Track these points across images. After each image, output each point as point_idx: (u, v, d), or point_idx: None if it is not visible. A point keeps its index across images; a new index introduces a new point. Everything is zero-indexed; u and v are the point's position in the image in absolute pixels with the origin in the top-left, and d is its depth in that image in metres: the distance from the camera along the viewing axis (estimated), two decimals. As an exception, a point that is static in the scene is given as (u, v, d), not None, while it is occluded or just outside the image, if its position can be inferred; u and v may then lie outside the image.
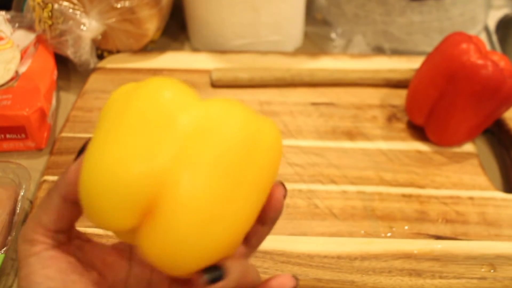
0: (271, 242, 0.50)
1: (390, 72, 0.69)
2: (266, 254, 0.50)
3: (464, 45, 0.56)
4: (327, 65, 0.71)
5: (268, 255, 0.50)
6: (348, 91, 0.68)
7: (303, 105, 0.66)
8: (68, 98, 0.71)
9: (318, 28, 0.83)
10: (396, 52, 0.79)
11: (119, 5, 0.67)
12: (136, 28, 0.70)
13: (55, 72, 0.69)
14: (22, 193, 0.55)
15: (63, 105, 0.70)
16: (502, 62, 0.57)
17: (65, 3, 0.67)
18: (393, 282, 0.48)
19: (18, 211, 0.53)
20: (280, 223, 0.52)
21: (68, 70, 0.75)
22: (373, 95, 0.68)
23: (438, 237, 0.52)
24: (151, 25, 0.72)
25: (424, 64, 0.61)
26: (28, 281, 0.30)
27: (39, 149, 0.63)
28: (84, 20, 0.68)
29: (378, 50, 0.79)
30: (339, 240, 0.51)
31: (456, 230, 0.52)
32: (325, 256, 0.50)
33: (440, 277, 0.48)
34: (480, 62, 0.55)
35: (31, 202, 0.55)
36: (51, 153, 0.60)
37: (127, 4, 0.67)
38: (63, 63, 0.73)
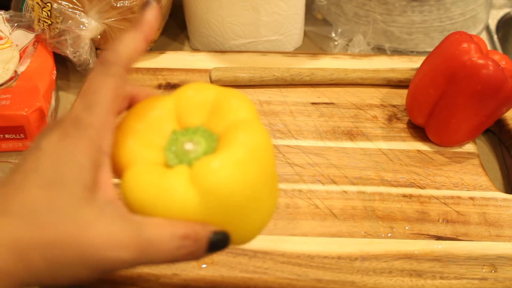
0: (271, 243, 0.50)
1: (391, 71, 0.69)
2: (266, 255, 0.49)
3: (465, 45, 0.55)
4: (327, 65, 0.71)
5: (268, 256, 0.49)
6: (348, 91, 0.68)
7: (303, 105, 0.66)
8: (67, 98, 0.71)
9: (318, 28, 0.83)
10: (396, 52, 0.79)
11: (118, 5, 0.67)
12: (136, 27, 0.70)
13: (54, 72, 0.69)
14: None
15: (62, 105, 0.70)
16: (503, 62, 0.57)
17: (64, 3, 0.66)
18: (393, 283, 0.48)
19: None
20: (280, 224, 0.52)
21: (67, 70, 0.75)
22: (374, 95, 0.67)
23: (439, 238, 0.51)
24: (151, 25, 0.71)
25: (424, 63, 0.60)
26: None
27: (38, 149, 0.63)
28: (84, 19, 0.67)
29: (379, 50, 0.79)
30: (340, 241, 0.51)
31: (457, 230, 0.52)
32: (326, 257, 0.50)
33: (441, 278, 0.48)
34: (481, 61, 0.54)
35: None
36: (50, 153, 0.60)
37: (126, 3, 0.67)
38: (62, 62, 0.73)
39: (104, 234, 0.29)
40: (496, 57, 0.57)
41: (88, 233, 0.29)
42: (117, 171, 0.33)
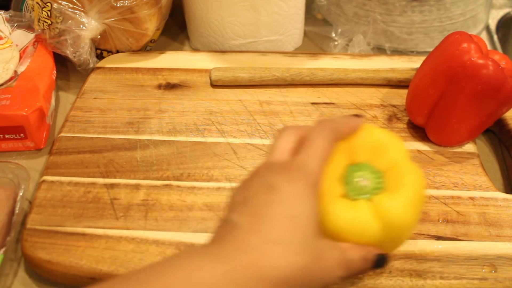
0: (271, 243, 0.50)
1: (391, 71, 0.69)
2: (266, 255, 0.49)
3: (465, 45, 0.55)
4: (327, 65, 0.71)
5: (268, 256, 0.49)
6: (348, 91, 0.68)
7: (303, 105, 0.66)
8: (67, 98, 0.71)
9: (318, 28, 0.83)
10: (396, 52, 0.79)
11: (118, 4, 0.67)
12: (136, 27, 0.70)
13: (54, 72, 0.69)
14: (21, 193, 0.55)
15: (62, 105, 0.70)
16: (503, 62, 0.57)
17: (64, 3, 0.66)
18: (393, 283, 0.48)
19: (17, 211, 0.53)
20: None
21: (67, 70, 0.75)
22: (374, 95, 0.67)
23: (439, 238, 0.51)
24: (151, 25, 0.71)
25: (424, 63, 0.60)
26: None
27: (38, 149, 0.63)
28: (84, 19, 0.67)
29: (379, 50, 0.79)
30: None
31: (457, 230, 0.52)
32: (325, 257, 0.49)
33: (441, 278, 0.48)
34: (481, 61, 0.54)
35: (30, 203, 0.55)
36: (50, 153, 0.60)
37: (126, 3, 0.67)
38: (62, 62, 0.73)
39: (331, 258, 0.38)
40: (496, 57, 0.57)
41: (324, 258, 0.37)
42: None
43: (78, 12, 0.67)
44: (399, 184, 0.42)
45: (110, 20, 0.68)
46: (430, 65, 0.59)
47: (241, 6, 0.71)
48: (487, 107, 0.55)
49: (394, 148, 0.44)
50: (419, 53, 0.78)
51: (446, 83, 0.56)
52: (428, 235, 0.52)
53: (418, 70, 0.61)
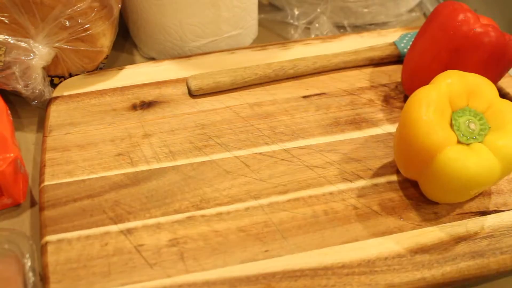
0: (326, 256, 0.47)
1: (371, 50, 0.67)
2: (327, 270, 0.46)
3: (461, 16, 0.55)
4: (300, 53, 0.68)
5: (330, 271, 0.46)
6: (334, 77, 0.65)
7: (295, 100, 0.62)
8: (25, 137, 0.62)
9: (271, 15, 0.79)
10: (355, 27, 0.77)
11: (69, 23, 0.59)
12: (90, 45, 0.62)
13: (9, 112, 0.59)
14: (29, 264, 0.47)
15: (23, 146, 0.61)
16: (494, 25, 0.57)
17: (4, 34, 0.57)
18: (459, 269, 0.47)
19: (31, 286, 0.45)
20: (326, 233, 0.49)
21: (12, 106, 0.65)
22: (360, 77, 0.65)
23: (483, 213, 0.51)
24: (105, 40, 0.64)
25: (421, 39, 0.59)
26: None
27: (17, 205, 0.54)
28: (31, 46, 0.59)
29: (338, 28, 0.77)
30: (392, 238, 0.49)
31: (496, 201, 0.52)
32: (386, 258, 0.47)
33: (501, 253, 0.48)
34: (481, 30, 0.54)
35: (40, 274, 0.47)
36: (40, 208, 0.52)
37: (79, 21, 0.59)
38: (4, 98, 0.62)
39: None
40: (485, 22, 0.56)
41: None
42: (426, 156, 0.46)
43: (23, 39, 0.59)
44: (502, 121, 0.46)
45: (60, 42, 0.60)
46: (429, 40, 0.57)
47: (200, 5, 0.66)
48: (493, 73, 0.56)
49: (487, 89, 0.48)
50: (377, 26, 0.77)
51: (449, 57, 0.55)
52: (471, 212, 0.51)
53: (415, 46, 0.60)
